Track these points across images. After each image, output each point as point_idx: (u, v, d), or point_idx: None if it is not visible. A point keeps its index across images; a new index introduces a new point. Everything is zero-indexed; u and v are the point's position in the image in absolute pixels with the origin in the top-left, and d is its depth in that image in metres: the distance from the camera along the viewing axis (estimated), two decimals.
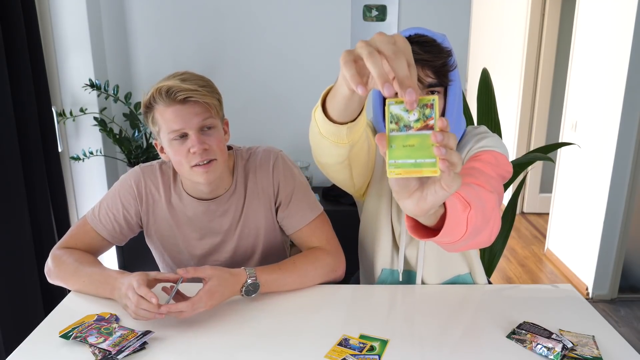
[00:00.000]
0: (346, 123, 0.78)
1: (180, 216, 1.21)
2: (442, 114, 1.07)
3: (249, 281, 1.05)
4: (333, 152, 0.89)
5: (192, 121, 1.05)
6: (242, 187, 1.20)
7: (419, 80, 1.00)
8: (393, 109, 0.58)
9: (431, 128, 0.57)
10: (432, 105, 0.57)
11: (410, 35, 1.03)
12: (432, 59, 0.99)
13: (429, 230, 0.75)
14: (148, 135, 2.20)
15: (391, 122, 0.59)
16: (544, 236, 3.58)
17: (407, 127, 0.58)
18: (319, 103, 0.79)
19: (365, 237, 1.28)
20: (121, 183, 1.22)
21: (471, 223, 0.74)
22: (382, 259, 1.23)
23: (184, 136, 1.06)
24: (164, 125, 1.06)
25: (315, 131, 0.86)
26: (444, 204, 0.70)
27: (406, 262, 1.23)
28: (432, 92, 1.03)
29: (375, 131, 1.18)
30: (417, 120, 0.58)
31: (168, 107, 1.04)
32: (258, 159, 1.21)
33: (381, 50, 0.54)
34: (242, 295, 1.06)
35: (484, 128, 1.16)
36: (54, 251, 1.16)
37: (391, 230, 1.21)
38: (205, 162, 1.07)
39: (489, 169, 0.98)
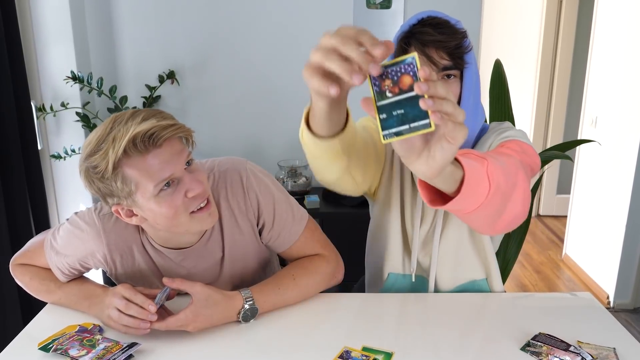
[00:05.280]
0: (336, 135, 0.80)
1: (157, 265, 1.13)
2: (458, 101, 1.08)
3: (247, 306, 1.04)
4: (333, 168, 0.93)
5: (179, 162, 0.95)
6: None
7: (433, 62, 1.03)
8: (374, 76, 0.59)
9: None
10: (412, 63, 0.57)
11: (422, 18, 1.06)
12: (446, 40, 1.02)
13: (448, 200, 0.75)
14: None
15: (375, 91, 0.60)
16: (562, 240, 3.57)
17: (393, 92, 0.59)
18: (302, 125, 0.81)
19: (374, 239, 1.29)
20: (76, 237, 1.09)
21: (493, 178, 0.75)
22: (391, 262, 1.24)
23: (169, 183, 0.95)
24: (145, 179, 0.92)
25: (308, 154, 0.89)
26: (461, 165, 0.71)
27: (418, 266, 1.24)
28: (448, 76, 1.06)
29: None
30: (402, 83, 0.58)
31: (145, 156, 0.91)
32: (226, 180, 1.11)
33: (332, 47, 0.57)
34: (240, 321, 1.05)
35: (508, 123, 1.17)
36: (16, 267, 1.16)
37: (401, 233, 1.22)
38: (204, 203, 1.00)
39: (515, 155, 0.98)
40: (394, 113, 0.59)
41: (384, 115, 0.60)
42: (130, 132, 0.89)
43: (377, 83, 0.60)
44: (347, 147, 0.86)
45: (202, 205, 1.00)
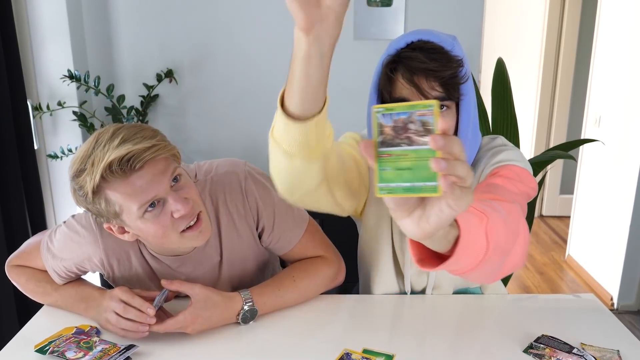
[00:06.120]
0: (312, 117, 0.72)
1: (154, 271, 1.13)
2: (455, 134, 1.00)
3: (246, 307, 1.04)
4: (307, 173, 0.82)
5: (162, 183, 0.93)
6: (214, 223, 1.10)
7: (422, 93, 0.95)
8: (382, 119, 0.51)
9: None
10: (430, 111, 0.50)
11: (412, 42, 0.97)
12: (439, 68, 0.93)
13: (440, 258, 0.67)
14: None
15: (380, 135, 0.52)
16: (565, 241, 3.57)
17: (400, 141, 0.51)
18: (276, 113, 0.74)
19: (364, 261, 1.25)
20: (74, 241, 1.09)
21: (492, 236, 0.68)
22: (383, 287, 1.20)
23: (154, 204, 0.94)
24: (128, 202, 0.91)
25: (279, 158, 0.79)
26: (456, 221, 0.62)
27: (412, 286, 1.21)
28: (441, 107, 0.97)
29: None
30: (413, 132, 0.50)
31: (126, 179, 0.90)
32: (224, 184, 1.10)
33: None
34: (239, 322, 1.05)
35: (501, 140, 1.11)
36: (12, 269, 1.16)
37: (392, 256, 1.18)
38: (194, 221, 0.98)
39: (510, 185, 0.93)
40: (397, 165, 0.51)
41: (383, 165, 0.52)
42: (106, 158, 0.88)
43: (383, 124, 0.51)
44: (324, 145, 0.78)
45: (191, 223, 0.98)
